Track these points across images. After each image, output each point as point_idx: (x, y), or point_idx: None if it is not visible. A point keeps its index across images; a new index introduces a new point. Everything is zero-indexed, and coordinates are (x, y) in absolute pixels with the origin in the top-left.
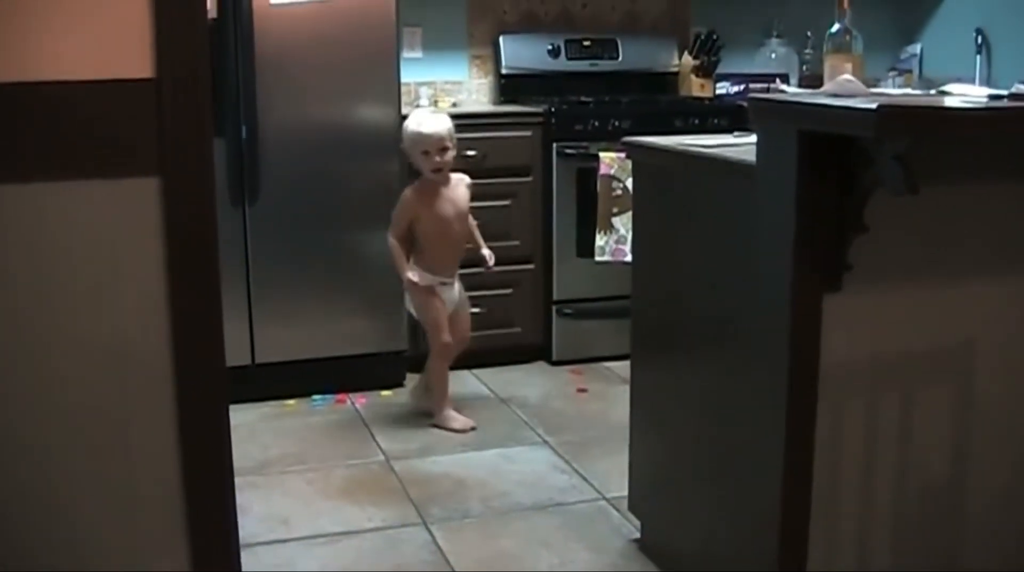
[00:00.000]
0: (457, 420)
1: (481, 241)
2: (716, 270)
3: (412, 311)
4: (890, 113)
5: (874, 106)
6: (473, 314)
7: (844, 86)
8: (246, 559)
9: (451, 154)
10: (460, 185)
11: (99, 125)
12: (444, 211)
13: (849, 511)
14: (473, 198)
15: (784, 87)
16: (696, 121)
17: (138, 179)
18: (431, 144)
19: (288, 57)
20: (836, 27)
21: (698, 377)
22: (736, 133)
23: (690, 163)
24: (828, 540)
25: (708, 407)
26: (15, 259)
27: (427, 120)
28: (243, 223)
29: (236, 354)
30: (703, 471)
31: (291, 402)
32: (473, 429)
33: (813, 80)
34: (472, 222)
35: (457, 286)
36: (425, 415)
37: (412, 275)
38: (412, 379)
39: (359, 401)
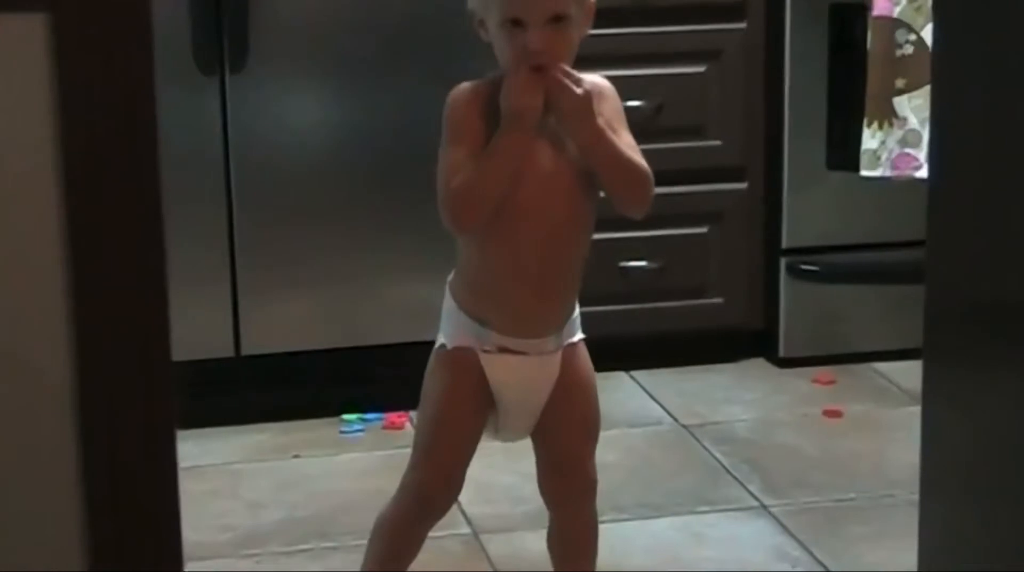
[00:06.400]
0: None
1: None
2: None
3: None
4: None
5: None
6: (639, 269)
7: None
8: None
9: (574, 34)
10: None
11: None
12: (539, 165)
13: None
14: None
15: None
16: None
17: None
18: (529, 4)
19: None
20: None
21: None
22: None
23: None
24: None
25: None
26: None
27: None
28: (221, 101)
29: (211, 339)
30: None
31: (306, 424)
32: None
33: None
34: (622, 151)
35: (556, 357)
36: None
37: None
38: None
39: None
